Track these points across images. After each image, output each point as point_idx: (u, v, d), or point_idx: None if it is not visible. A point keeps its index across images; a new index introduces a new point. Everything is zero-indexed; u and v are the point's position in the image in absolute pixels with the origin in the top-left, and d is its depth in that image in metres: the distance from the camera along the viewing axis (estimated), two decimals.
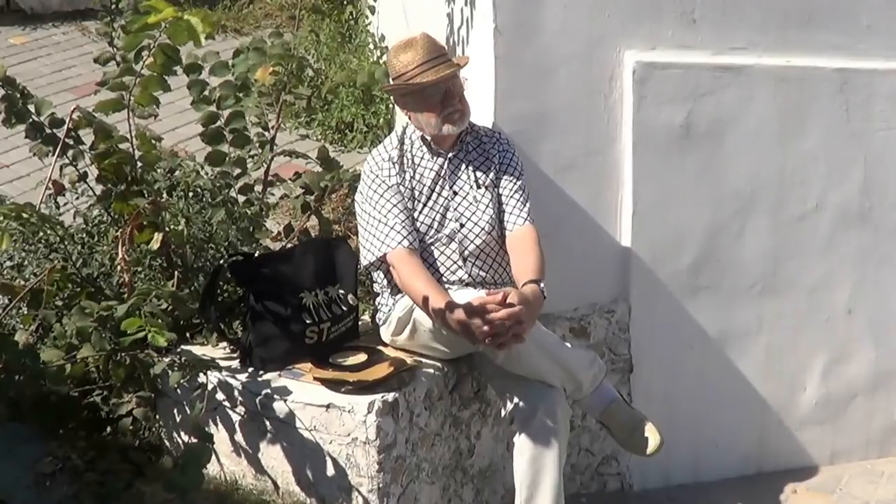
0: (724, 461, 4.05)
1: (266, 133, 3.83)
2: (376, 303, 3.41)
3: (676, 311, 3.86)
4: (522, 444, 3.15)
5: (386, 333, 3.36)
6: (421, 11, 4.53)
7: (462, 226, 3.31)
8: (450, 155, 3.33)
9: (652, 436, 3.30)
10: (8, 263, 3.53)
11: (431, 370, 3.28)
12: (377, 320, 3.41)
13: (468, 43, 3.75)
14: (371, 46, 5.76)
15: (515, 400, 3.19)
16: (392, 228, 3.22)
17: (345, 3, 6.24)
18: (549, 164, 3.64)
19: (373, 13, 5.67)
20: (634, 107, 3.67)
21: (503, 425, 3.51)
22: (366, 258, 3.29)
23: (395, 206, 3.25)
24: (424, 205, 3.30)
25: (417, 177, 3.31)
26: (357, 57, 5.78)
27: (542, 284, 3.15)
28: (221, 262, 3.41)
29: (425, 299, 3.07)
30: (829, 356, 4.07)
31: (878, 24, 3.87)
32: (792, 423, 4.08)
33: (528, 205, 3.33)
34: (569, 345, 3.40)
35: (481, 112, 3.53)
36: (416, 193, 3.30)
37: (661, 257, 3.81)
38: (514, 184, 3.34)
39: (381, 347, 3.35)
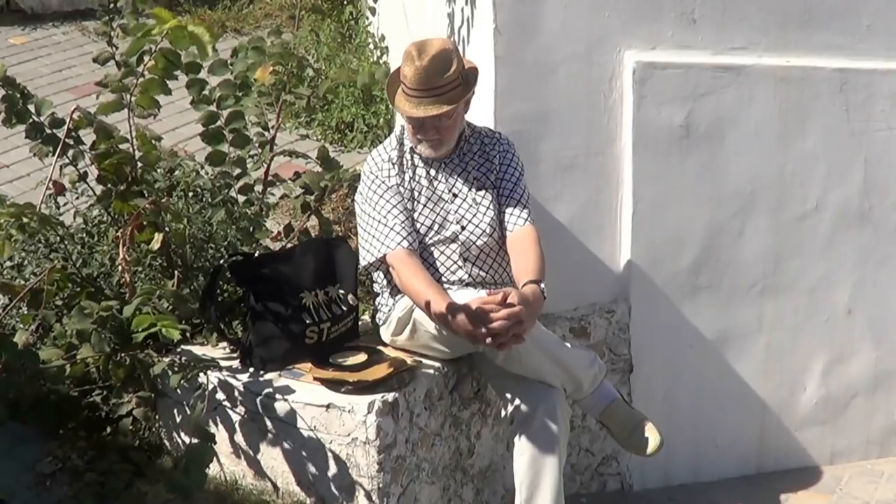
0: (724, 461, 4.05)
1: (266, 133, 3.83)
2: (376, 303, 3.41)
3: (676, 311, 3.86)
4: (522, 445, 3.15)
5: (386, 333, 3.36)
6: (421, 12, 4.53)
7: (463, 228, 3.30)
8: (446, 159, 3.33)
9: (652, 436, 3.31)
10: (8, 263, 3.54)
11: (431, 370, 3.28)
12: (377, 320, 3.40)
13: (468, 43, 3.75)
14: (371, 47, 5.76)
15: (515, 400, 3.19)
16: (391, 229, 3.22)
17: (345, 3, 6.24)
18: (549, 164, 3.64)
19: (373, 14, 5.67)
20: (634, 107, 3.66)
21: (503, 425, 3.51)
22: (365, 259, 3.28)
23: (394, 206, 3.25)
24: (424, 206, 3.30)
25: (417, 178, 3.31)
26: (357, 57, 5.78)
27: (542, 285, 3.14)
28: (221, 262, 3.41)
29: (425, 300, 3.07)
30: (829, 356, 4.06)
31: (878, 24, 3.86)
32: (792, 423, 4.08)
33: (528, 205, 3.33)
34: (569, 345, 3.40)
35: (481, 112, 3.52)
36: (416, 195, 3.30)
37: (661, 257, 3.81)
38: (514, 185, 3.34)
39: (381, 347, 3.34)
